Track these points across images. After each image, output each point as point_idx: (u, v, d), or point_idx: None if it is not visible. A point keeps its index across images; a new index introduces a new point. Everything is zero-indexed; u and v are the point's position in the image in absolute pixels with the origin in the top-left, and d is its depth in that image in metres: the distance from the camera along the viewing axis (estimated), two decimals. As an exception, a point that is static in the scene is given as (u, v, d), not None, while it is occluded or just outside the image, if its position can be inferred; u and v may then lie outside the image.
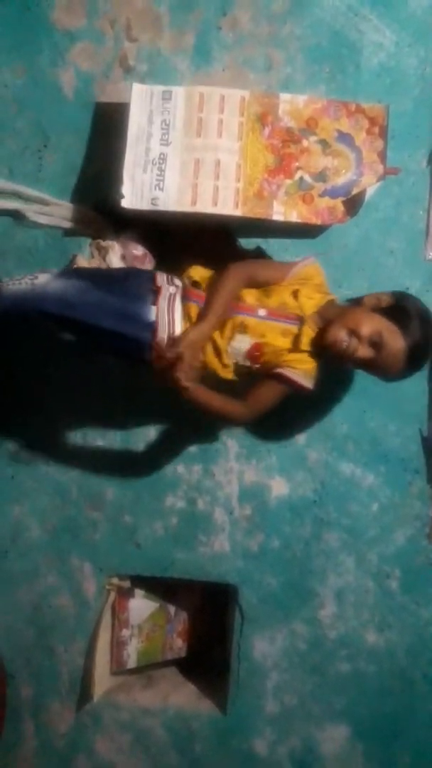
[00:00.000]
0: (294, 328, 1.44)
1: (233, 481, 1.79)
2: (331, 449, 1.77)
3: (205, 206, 1.65)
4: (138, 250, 1.79)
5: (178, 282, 1.49)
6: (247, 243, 1.74)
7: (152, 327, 1.40)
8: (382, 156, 1.68)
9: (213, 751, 1.85)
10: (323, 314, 1.46)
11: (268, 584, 1.80)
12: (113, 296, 1.39)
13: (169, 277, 1.49)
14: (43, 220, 1.74)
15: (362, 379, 1.68)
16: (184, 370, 1.34)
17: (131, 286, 1.44)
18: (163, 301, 1.42)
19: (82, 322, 1.36)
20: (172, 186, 1.65)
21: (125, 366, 1.67)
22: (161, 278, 1.47)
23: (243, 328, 1.42)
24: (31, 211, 1.74)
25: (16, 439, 1.82)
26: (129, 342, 1.40)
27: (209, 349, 1.43)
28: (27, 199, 1.74)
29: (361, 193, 1.65)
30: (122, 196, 1.64)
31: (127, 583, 1.91)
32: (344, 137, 1.68)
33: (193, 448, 1.79)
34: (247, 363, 1.46)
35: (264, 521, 1.79)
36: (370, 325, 1.38)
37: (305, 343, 1.43)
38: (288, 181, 1.68)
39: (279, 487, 1.79)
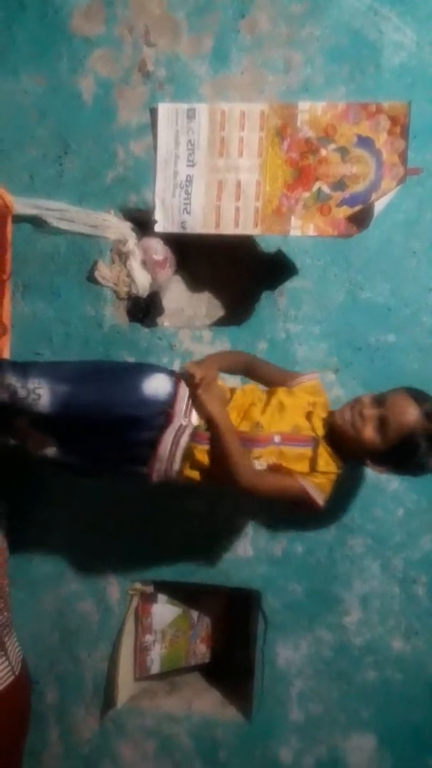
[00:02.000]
0: (308, 451, 1.43)
1: (256, 486, 1.78)
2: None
3: (228, 227, 1.73)
4: (159, 254, 1.79)
5: (194, 417, 1.44)
6: (266, 245, 1.73)
7: (151, 460, 1.42)
8: (403, 157, 1.66)
9: (237, 759, 1.83)
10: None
11: (292, 590, 1.78)
12: (118, 448, 1.43)
13: (188, 407, 1.44)
14: (64, 225, 1.75)
15: (382, 383, 1.66)
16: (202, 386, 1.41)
17: (142, 419, 1.40)
18: (169, 435, 1.40)
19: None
20: (198, 209, 1.73)
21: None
22: (180, 405, 1.43)
23: (259, 456, 1.42)
24: (53, 217, 1.75)
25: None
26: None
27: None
28: (48, 208, 1.76)
29: (371, 206, 1.65)
30: (155, 221, 1.75)
31: (150, 588, 1.90)
32: (364, 141, 1.67)
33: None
34: None
35: (287, 526, 1.77)
36: (369, 394, 1.44)
37: (321, 465, 1.42)
38: (306, 194, 1.69)
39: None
